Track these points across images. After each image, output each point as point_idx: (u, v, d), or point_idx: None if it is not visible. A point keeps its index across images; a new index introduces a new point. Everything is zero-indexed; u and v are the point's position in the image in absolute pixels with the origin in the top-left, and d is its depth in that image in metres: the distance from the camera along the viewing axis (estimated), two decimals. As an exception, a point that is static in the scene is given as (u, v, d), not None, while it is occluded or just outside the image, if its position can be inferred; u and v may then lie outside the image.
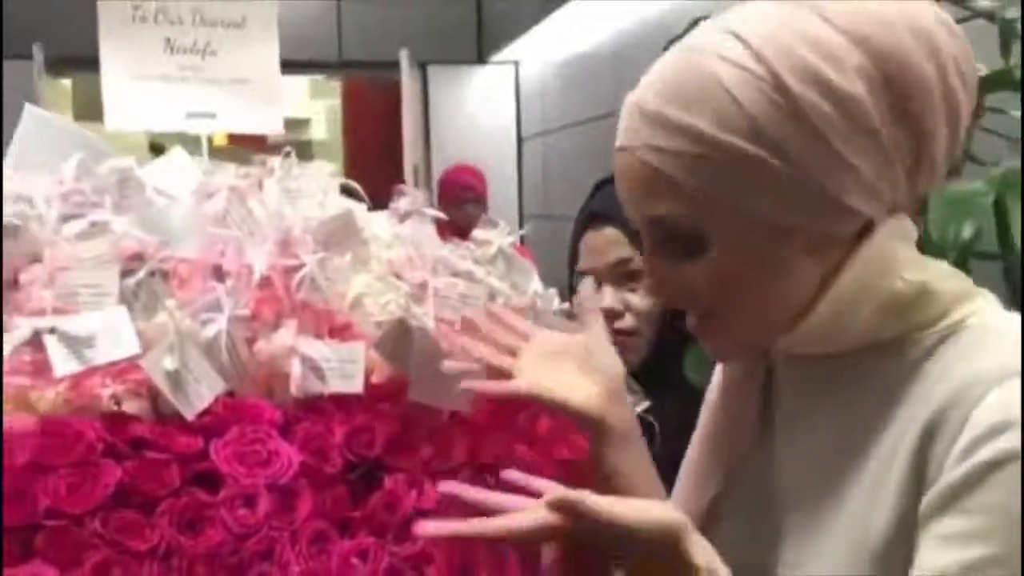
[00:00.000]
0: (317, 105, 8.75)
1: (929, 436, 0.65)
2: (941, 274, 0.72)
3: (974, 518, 0.60)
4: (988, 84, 1.62)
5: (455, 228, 3.56)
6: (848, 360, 0.73)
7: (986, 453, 0.61)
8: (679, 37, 1.83)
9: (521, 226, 5.68)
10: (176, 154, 1.15)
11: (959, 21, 1.79)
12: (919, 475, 0.65)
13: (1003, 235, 1.44)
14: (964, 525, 0.61)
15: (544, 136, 5.50)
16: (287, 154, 1.15)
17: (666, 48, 1.85)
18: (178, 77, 1.21)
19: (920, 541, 0.64)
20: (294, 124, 8.84)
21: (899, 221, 0.71)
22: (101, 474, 0.85)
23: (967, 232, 1.38)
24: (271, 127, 1.27)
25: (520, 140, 5.88)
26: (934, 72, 0.67)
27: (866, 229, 0.70)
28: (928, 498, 0.64)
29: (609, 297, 1.25)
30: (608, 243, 1.27)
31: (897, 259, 0.70)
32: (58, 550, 0.81)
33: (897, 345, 0.70)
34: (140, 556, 0.84)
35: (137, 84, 1.19)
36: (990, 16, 1.49)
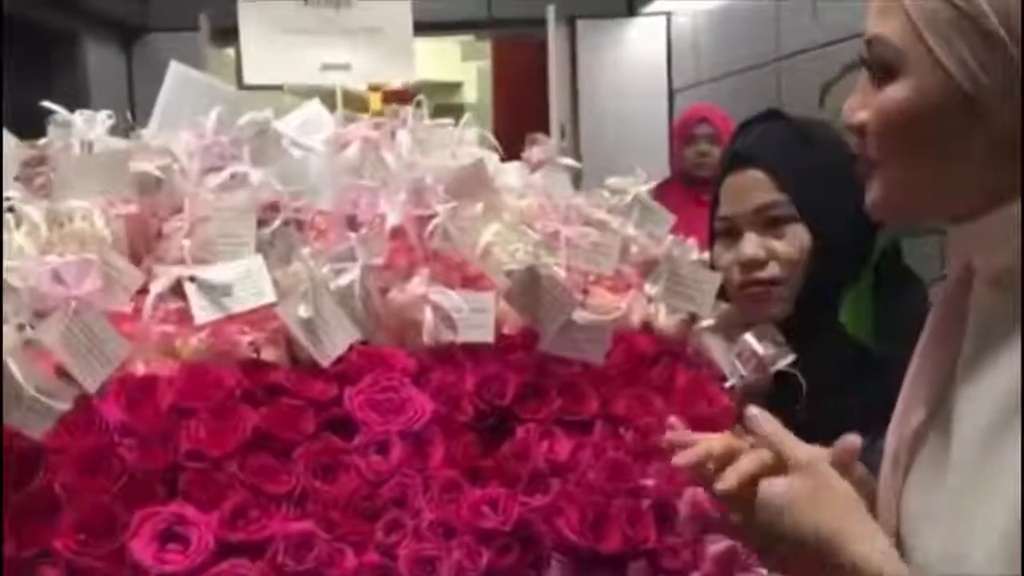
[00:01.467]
0: (469, 67, 8.81)
1: None
2: None
3: None
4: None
5: (684, 169, 3.37)
6: (995, 292, 0.69)
7: None
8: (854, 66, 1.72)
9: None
10: (312, 105, 1.16)
11: None
12: None
13: None
14: None
15: (697, 88, 5.33)
16: (418, 104, 1.13)
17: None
18: (314, 30, 1.22)
19: None
20: (446, 88, 8.94)
21: None
22: (240, 419, 0.88)
23: None
24: (405, 76, 1.27)
25: (672, 93, 5.73)
26: None
27: None
28: None
29: (752, 245, 1.17)
30: (752, 186, 1.19)
31: None
32: (199, 491, 0.84)
33: None
34: (277, 499, 0.86)
35: (274, 38, 1.21)
36: None
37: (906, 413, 0.76)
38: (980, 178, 0.67)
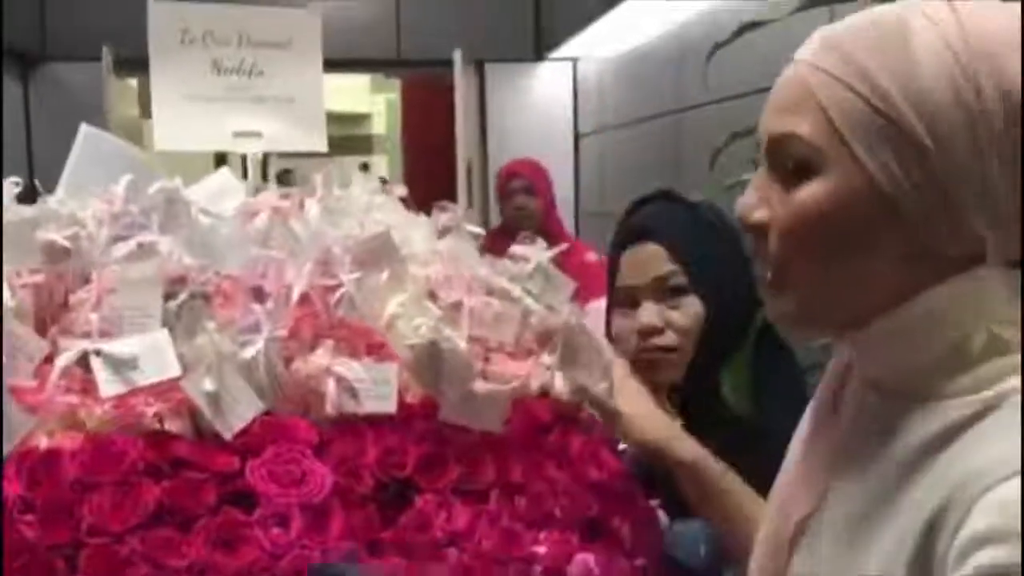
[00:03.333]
0: (378, 99, 8.84)
1: (941, 515, 0.61)
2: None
3: None
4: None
5: (506, 222, 3.52)
6: (899, 403, 0.69)
7: (984, 558, 0.57)
8: (726, 43, 1.80)
9: (577, 223, 5.67)
10: (221, 174, 1.19)
11: None
12: (926, 556, 0.62)
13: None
14: None
15: (601, 133, 5.47)
16: (364, 166, 1.17)
17: (712, 53, 1.82)
18: (225, 97, 1.24)
19: None
20: (354, 119, 8.95)
21: (1012, 272, 0.65)
22: (141, 493, 0.89)
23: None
24: (315, 145, 1.30)
25: (577, 137, 5.87)
26: None
27: (968, 264, 0.65)
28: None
29: (649, 313, 1.25)
30: (650, 259, 1.27)
31: (994, 309, 0.65)
32: (100, 566, 0.84)
33: (946, 401, 0.65)
34: (178, 572, 0.87)
35: (186, 105, 1.23)
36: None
37: (787, 503, 0.77)
38: (886, 281, 0.66)
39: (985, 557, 0.57)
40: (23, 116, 4.80)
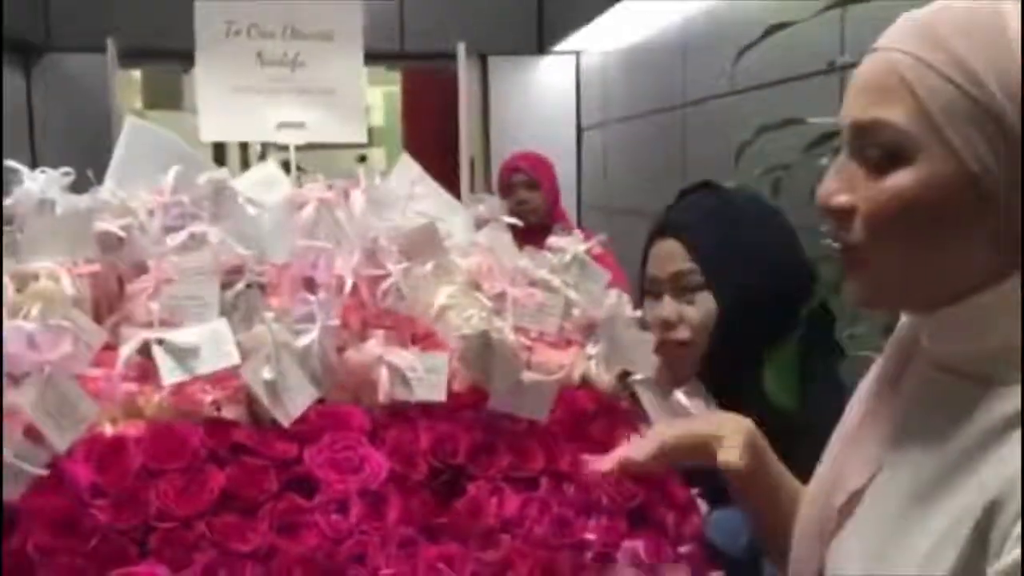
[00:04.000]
0: (375, 92, 8.82)
1: (1002, 500, 0.63)
2: None
3: None
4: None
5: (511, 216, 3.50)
6: (964, 385, 0.70)
7: None
8: (752, 45, 1.82)
9: (580, 217, 5.68)
10: (266, 166, 1.20)
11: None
12: (982, 538, 0.64)
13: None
14: None
15: (604, 127, 5.48)
16: (361, 158, 1.18)
17: (740, 54, 1.84)
18: (269, 89, 1.25)
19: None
20: (354, 111, 8.94)
21: None
22: (207, 479, 0.90)
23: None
24: (356, 136, 1.31)
25: (580, 131, 5.88)
26: None
27: None
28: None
29: (666, 308, 1.28)
30: (669, 254, 1.29)
31: None
32: (169, 550, 0.86)
33: (1013, 387, 0.67)
34: (243, 557, 0.88)
35: (230, 96, 1.24)
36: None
37: (843, 473, 0.78)
38: (968, 265, 0.67)
39: None
40: (25, 107, 4.79)
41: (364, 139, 1.30)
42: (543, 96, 5.94)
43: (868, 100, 0.68)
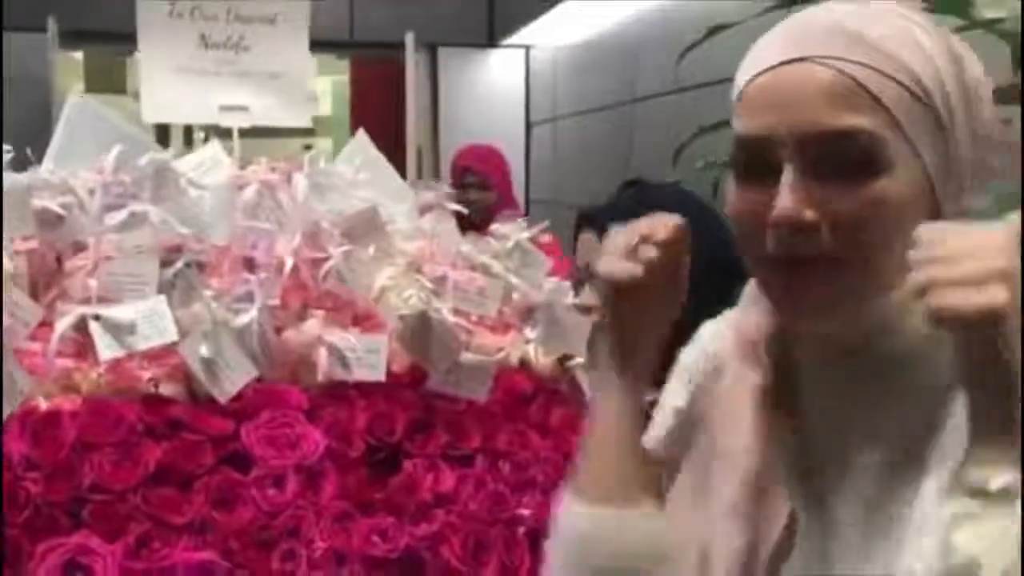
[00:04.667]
0: (323, 81, 8.73)
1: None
2: None
3: None
4: (1005, 97, 1.66)
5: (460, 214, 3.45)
6: (892, 359, 0.71)
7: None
8: (697, 44, 1.86)
9: (528, 212, 5.71)
10: (209, 147, 1.20)
11: (960, 30, 1.81)
12: None
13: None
14: None
15: (553, 122, 5.52)
16: (307, 147, 1.19)
17: (683, 55, 1.87)
18: (212, 71, 1.25)
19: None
20: (302, 101, 8.86)
21: None
22: (143, 453, 0.91)
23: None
24: (301, 120, 1.32)
25: (529, 125, 5.91)
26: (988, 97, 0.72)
27: None
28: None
29: (587, 295, 1.32)
30: (588, 247, 1.34)
31: None
32: (102, 522, 0.87)
33: (941, 357, 0.69)
34: (178, 529, 0.90)
35: (173, 78, 1.23)
36: (991, 26, 1.53)
37: (752, 520, 0.73)
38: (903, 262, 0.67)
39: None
40: (-35, 88, 4.67)
41: (309, 124, 1.31)
42: (493, 89, 5.95)
43: (828, 109, 0.66)
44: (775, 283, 0.72)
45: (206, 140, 1.34)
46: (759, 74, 0.69)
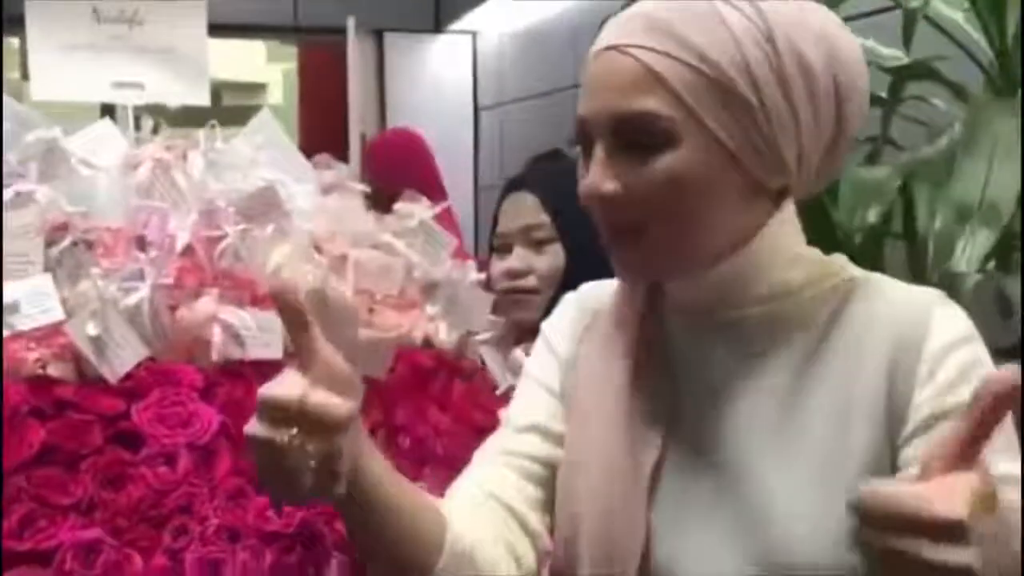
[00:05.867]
0: (274, 69, 8.65)
1: (893, 365, 0.73)
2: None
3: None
4: (906, 73, 1.70)
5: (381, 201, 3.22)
6: (751, 314, 0.78)
7: (959, 357, 0.72)
8: (612, 16, 1.88)
9: (476, 196, 5.72)
10: (102, 125, 1.19)
11: (875, 12, 1.84)
12: (890, 401, 0.73)
13: (908, 220, 1.52)
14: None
15: (501, 107, 5.52)
16: (212, 126, 1.19)
17: (602, 24, 1.89)
18: (105, 47, 1.23)
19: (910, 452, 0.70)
20: (250, 89, 8.74)
21: (790, 202, 0.80)
22: (26, 433, 0.90)
23: (872, 217, 1.45)
24: (197, 98, 1.30)
25: (477, 111, 5.90)
26: (855, 71, 0.77)
27: (780, 197, 0.78)
28: (911, 417, 0.72)
29: (516, 258, 1.34)
30: (521, 208, 1.36)
31: (798, 229, 0.81)
32: (-18, 504, 0.86)
33: (800, 302, 0.78)
34: (64, 509, 0.89)
35: (63, 54, 1.21)
36: (898, 3, 1.56)
37: (625, 454, 0.80)
38: (731, 223, 0.76)
39: (959, 356, 0.72)
40: None
41: (207, 101, 1.30)
42: (440, 75, 5.93)
43: (624, 94, 0.73)
44: (612, 252, 0.80)
45: (155, 130, 1.31)
46: (591, 59, 0.78)
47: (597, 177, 0.75)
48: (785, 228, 0.78)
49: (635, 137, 0.74)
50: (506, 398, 1.25)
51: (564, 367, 0.88)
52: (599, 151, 0.76)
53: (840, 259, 0.82)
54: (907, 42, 1.37)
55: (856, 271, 0.81)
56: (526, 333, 1.30)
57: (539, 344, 0.92)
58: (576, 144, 0.79)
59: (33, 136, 1.09)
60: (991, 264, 1.47)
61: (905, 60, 1.61)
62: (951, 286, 1.29)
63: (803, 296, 0.78)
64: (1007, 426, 0.55)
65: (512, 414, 0.89)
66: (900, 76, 1.62)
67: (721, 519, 0.77)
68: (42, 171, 1.08)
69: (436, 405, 1.16)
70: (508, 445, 0.86)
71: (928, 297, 0.77)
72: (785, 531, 0.74)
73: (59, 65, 1.22)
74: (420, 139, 3.49)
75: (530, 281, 1.32)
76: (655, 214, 0.75)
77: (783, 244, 0.79)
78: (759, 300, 0.79)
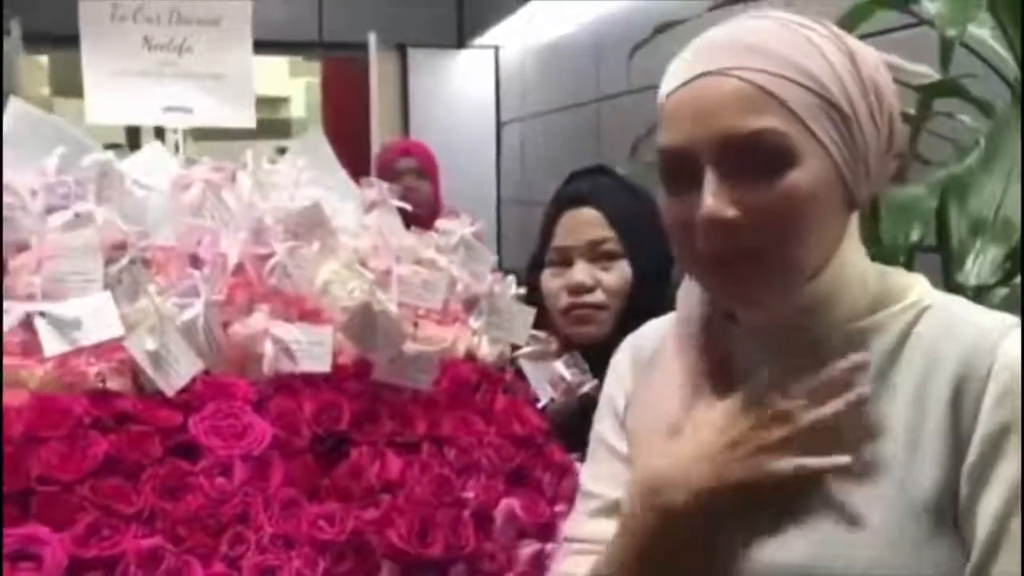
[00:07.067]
0: (297, 83, 8.74)
1: (958, 392, 0.73)
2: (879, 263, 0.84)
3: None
4: (934, 91, 1.71)
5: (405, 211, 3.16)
6: (825, 339, 0.78)
7: (1018, 398, 0.71)
8: (645, 42, 1.90)
9: (499, 210, 5.75)
10: (152, 148, 1.22)
11: (903, 28, 1.86)
12: (955, 428, 0.73)
13: (942, 234, 1.53)
14: (1017, 464, 0.70)
15: (523, 121, 5.56)
16: (281, 151, 1.22)
17: (632, 52, 1.91)
18: (156, 73, 1.27)
19: (975, 491, 0.71)
20: (273, 102, 8.84)
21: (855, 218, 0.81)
22: (89, 445, 0.94)
23: (915, 236, 1.46)
24: (244, 122, 1.34)
25: (499, 125, 5.95)
26: (894, 95, 0.80)
27: (850, 212, 0.79)
28: (974, 449, 0.72)
29: (582, 273, 1.36)
30: (587, 223, 1.37)
31: (860, 245, 0.81)
32: (50, 512, 0.89)
33: (874, 323, 0.78)
34: (126, 518, 0.92)
35: (116, 79, 1.26)
36: (933, 23, 1.58)
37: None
38: (832, 237, 0.77)
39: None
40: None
41: (253, 124, 1.34)
42: (463, 89, 5.98)
43: (739, 115, 0.73)
44: (710, 280, 0.80)
45: (177, 145, 1.36)
46: (674, 90, 0.77)
47: (717, 203, 0.73)
48: (854, 244, 0.80)
49: (750, 158, 0.73)
50: (546, 412, 1.28)
51: (624, 417, 0.91)
52: (712, 177, 0.74)
53: (910, 277, 0.82)
54: (944, 66, 1.39)
55: (931, 293, 0.81)
56: (584, 344, 1.32)
57: (602, 403, 0.95)
58: (664, 174, 0.78)
59: (89, 159, 1.12)
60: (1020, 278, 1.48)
61: (933, 78, 1.63)
62: (976, 300, 1.31)
63: (875, 317, 0.79)
64: None
65: (586, 483, 0.92)
66: (927, 93, 1.63)
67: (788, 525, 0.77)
68: (97, 193, 1.11)
69: (480, 417, 1.18)
70: (580, 531, 0.89)
71: (997, 324, 0.76)
72: (849, 538, 0.74)
73: (112, 90, 1.26)
74: (426, 149, 3.34)
75: (598, 296, 1.34)
76: (774, 236, 0.74)
77: (856, 261, 0.80)
78: (838, 320, 0.79)
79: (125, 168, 1.20)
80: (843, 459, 0.75)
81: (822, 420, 0.76)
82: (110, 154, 1.17)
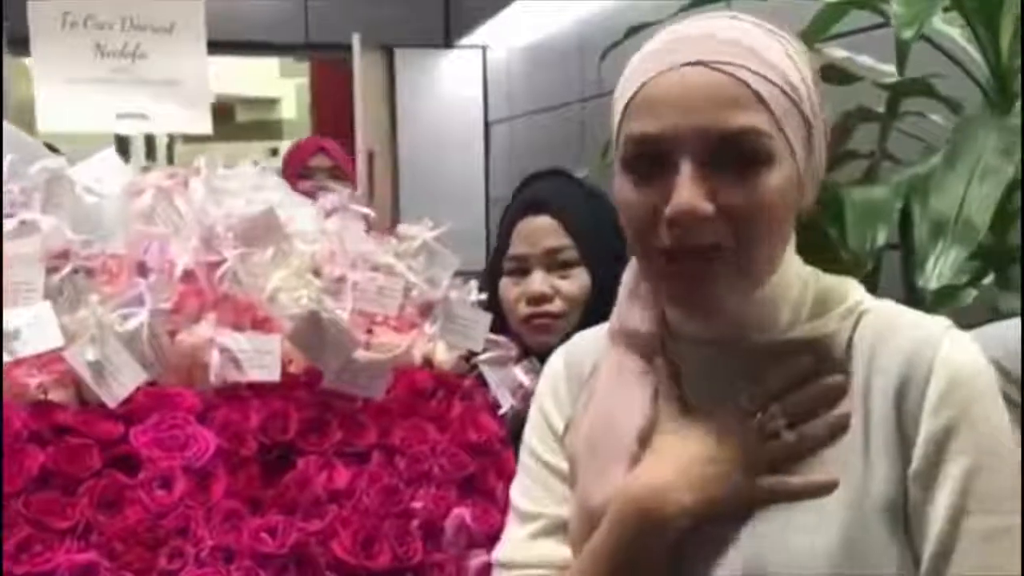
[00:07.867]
0: (287, 84, 8.73)
1: (900, 396, 0.73)
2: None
3: (969, 456, 0.71)
4: (903, 90, 1.70)
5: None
6: (767, 346, 0.77)
7: (959, 398, 0.72)
8: (617, 44, 1.89)
9: (487, 210, 5.74)
10: (106, 154, 1.21)
11: (870, 28, 1.85)
12: (900, 432, 0.73)
13: (905, 235, 1.52)
14: (964, 463, 0.71)
15: (511, 121, 5.55)
16: (274, 152, 1.21)
17: (605, 54, 1.90)
18: (108, 79, 1.26)
19: (924, 493, 0.71)
20: (264, 104, 8.83)
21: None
22: (25, 458, 0.92)
23: (881, 239, 1.45)
24: (200, 127, 1.33)
25: (487, 125, 5.93)
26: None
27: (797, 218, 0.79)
28: (918, 452, 0.72)
29: (539, 282, 1.33)
30: (544, 231, 1.35)
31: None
32: (-18, 528, 0.88)
33: (814, 328, 0.78)
34: (61, 533, 0.91)
35: (68, 87, 1.25)
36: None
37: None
38: (781, 250, 0.77)
39: (962, 392, 0.72)
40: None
41: (209, 130, 1.32)
42: (450, 89, 5.97)
43: (727, 110, 0.71)
44: (664, 276, 0.77)
45: (169, 147, 1.35)
46: (653, 78, 0.75)
47: (690, 195, 0.71)
48: (792, 250, 0.80)
49: (729, 154, 0.72)
50: (505, 418, 1.26)
51: (563, 433, 0.88)
52: (687, 168, 0.72)
53: (845, 281, 0.82)
54: (900, 67, 1.37)
55: (865, 297, 0.80)
56: (542, 352, 1.31)
57: (535, 417, 0.91)
58: (630, 161, 0.76)
59: (37, 166, 1.11)
60: (989, 279, 1.48)
61: (900, 78, 1.62)
62: (941, 301, 1.30)
63: (815, 323, 0.78)
64: None
65: (522, 503, 0.89)
66: (896, 92, 1.62)
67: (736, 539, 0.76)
68: (46, 200, 1.10)
69: (434, 425, 1.17)
70: (523, 555, 0.86)
71: (934, 327, 0.76)
72: (790, 545, 0.74)
73: (64, 98, 1.25)
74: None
75: (557, 305, 1.32)
76: (742, 235, 0.73)
77: (797, 266, 0.80)
78: (781, 326, 0.78)
79: (77, 175, 1.19)
80: (832, 479, 0.74)
81: (816, 440, 0.76)
82: (61, 160, 1.16)
